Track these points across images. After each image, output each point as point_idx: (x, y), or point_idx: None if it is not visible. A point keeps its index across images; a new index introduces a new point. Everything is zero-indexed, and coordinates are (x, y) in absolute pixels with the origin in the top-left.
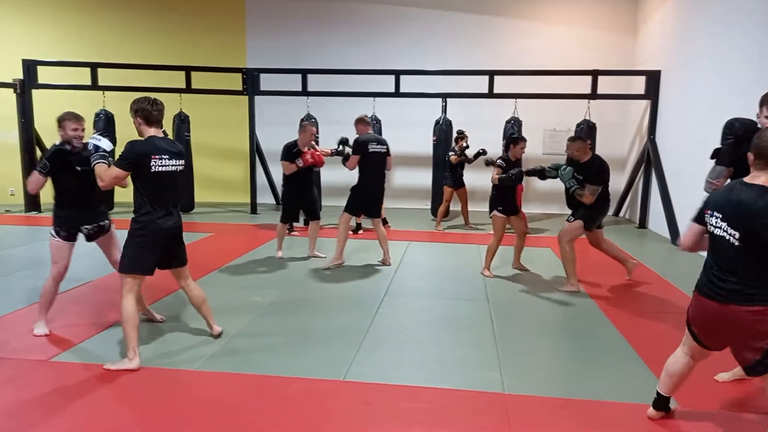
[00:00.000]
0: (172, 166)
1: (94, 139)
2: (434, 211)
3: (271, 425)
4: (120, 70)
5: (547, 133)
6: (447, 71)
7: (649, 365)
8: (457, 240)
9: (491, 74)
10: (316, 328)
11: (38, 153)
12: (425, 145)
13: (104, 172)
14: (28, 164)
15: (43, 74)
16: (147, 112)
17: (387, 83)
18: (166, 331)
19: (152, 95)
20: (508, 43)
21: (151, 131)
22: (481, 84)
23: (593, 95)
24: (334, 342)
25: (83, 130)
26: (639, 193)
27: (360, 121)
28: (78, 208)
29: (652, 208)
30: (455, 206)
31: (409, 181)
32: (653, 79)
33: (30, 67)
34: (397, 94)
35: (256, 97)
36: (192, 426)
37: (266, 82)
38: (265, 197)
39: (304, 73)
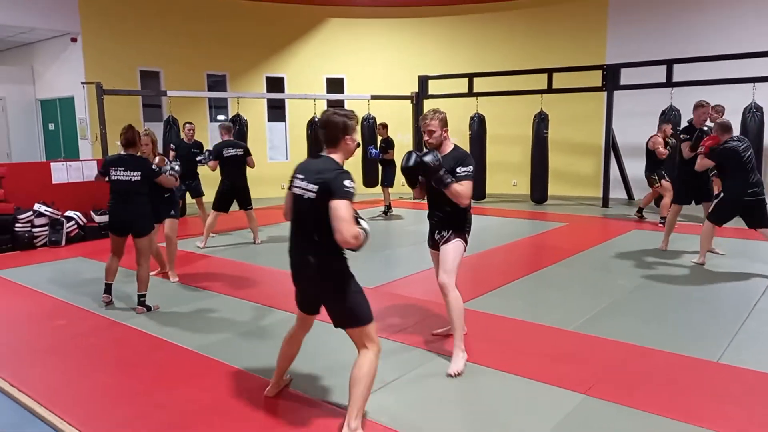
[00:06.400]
0: None
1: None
2: None
3: (644, 391)
4: (491, 78)
5: None
6: None
7: None
8: None
9: None
10: (683, 312)
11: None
12: None
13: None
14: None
15: (432, 86)
16: None
17: None
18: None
19: (516, 98)
20: None
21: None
22: None
23: None
24: (704, 327)
25: None
26: None
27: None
28: None
29: None
30: None
31: None
32: None
33: (423, 81)
34: None
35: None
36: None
37: (626, 75)
38: (616, 191)
39: (669, 63)
